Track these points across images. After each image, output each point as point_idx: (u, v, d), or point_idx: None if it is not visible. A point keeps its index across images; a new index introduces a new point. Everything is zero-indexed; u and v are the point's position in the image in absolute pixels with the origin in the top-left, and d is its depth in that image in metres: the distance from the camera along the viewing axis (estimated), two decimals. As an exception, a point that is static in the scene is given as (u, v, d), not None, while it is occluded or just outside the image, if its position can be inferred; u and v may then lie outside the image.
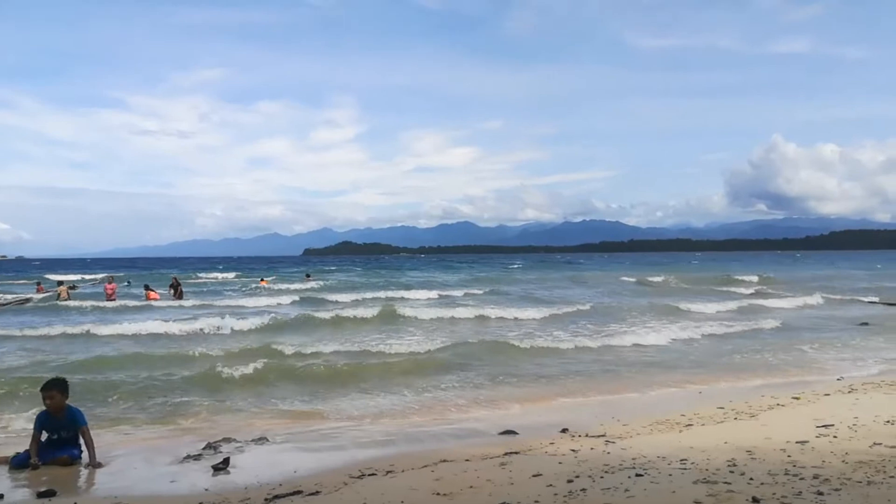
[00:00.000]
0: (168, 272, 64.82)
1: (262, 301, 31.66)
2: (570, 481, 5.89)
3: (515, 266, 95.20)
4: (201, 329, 19.49)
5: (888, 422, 7.90)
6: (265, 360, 13.25)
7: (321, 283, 50.71)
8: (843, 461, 6.24)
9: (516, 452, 7.27)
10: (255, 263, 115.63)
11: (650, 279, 49.65)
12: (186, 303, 30.24)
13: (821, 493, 5.24)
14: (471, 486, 5.94)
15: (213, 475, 6.86)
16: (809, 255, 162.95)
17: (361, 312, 23.52)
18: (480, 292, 38.13)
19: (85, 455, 7.53)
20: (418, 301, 32.49)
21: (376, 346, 16.01)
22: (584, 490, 5.61)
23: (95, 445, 7.58)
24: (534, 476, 6.15)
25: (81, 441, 7.58)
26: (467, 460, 7.02)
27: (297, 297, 33.32)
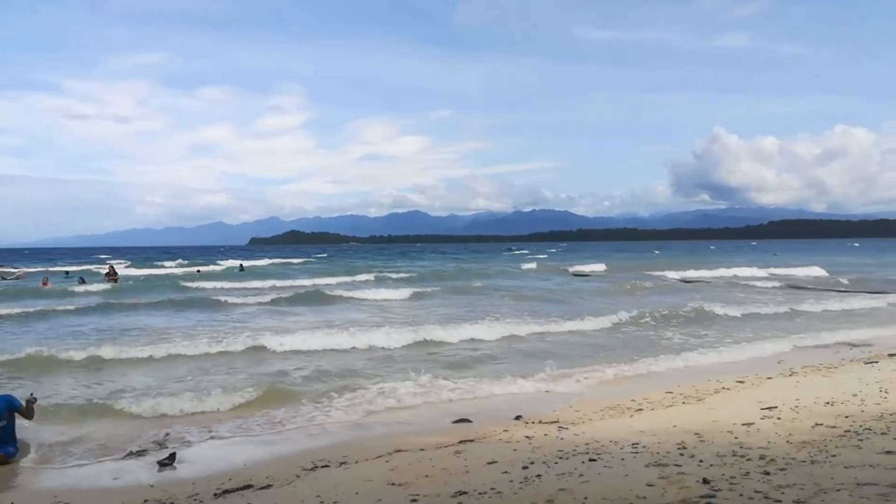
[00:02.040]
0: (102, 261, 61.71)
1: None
2: (525, 468, 5.90)
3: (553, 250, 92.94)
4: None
5: (828, 403, 8.20)
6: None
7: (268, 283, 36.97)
8: (787, 441, 6.43)
9: (471, 440, 7.26)
10: (200, 253, 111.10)
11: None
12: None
13: (767, 473, 5.37)
14: (426, 476, 5.89)
15: (159, 471, 6.64)
16: (763, 244, 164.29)
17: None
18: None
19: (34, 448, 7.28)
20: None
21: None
22: (539, 476, 5.62)
23: (31, 441, 7.39)
24: (489, 463, 6.15)
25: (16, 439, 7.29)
26: (422, 449, 6.97)
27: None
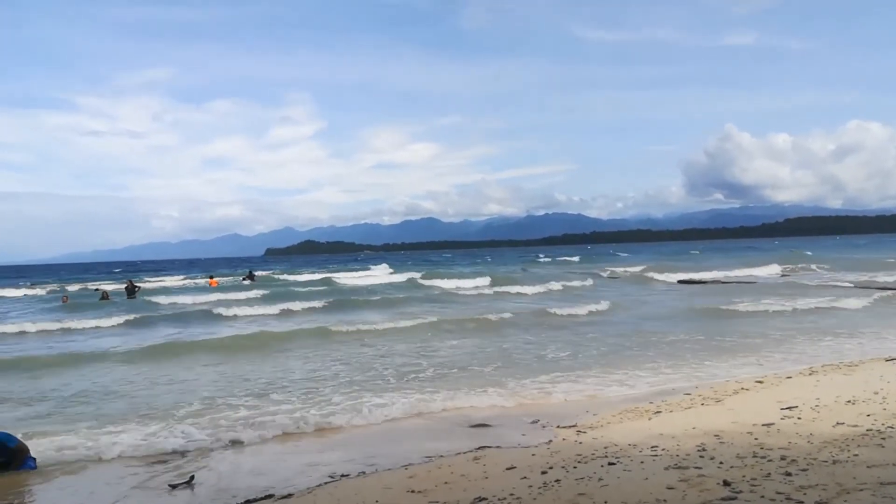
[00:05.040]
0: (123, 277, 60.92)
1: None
2: (544, 472, 5.90)
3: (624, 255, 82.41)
4: None
5: (849, 402, 8.11)
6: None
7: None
8: (808, 442, 6.38)
9: (489, 446, 7.25)
10: (217, 265, 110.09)
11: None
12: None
13: (789, 474, 5.33)
14: (445, 482, 5.91)
15: (181, 485, 6.64)
16: (783, 241, 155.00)
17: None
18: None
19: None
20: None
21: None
22: (558, 481, 5.61)
23: (35, 455, 7.42)
24: (508, 469, 6.15)
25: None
26: (441, 456, 6.99)
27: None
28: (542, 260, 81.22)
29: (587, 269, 52.17)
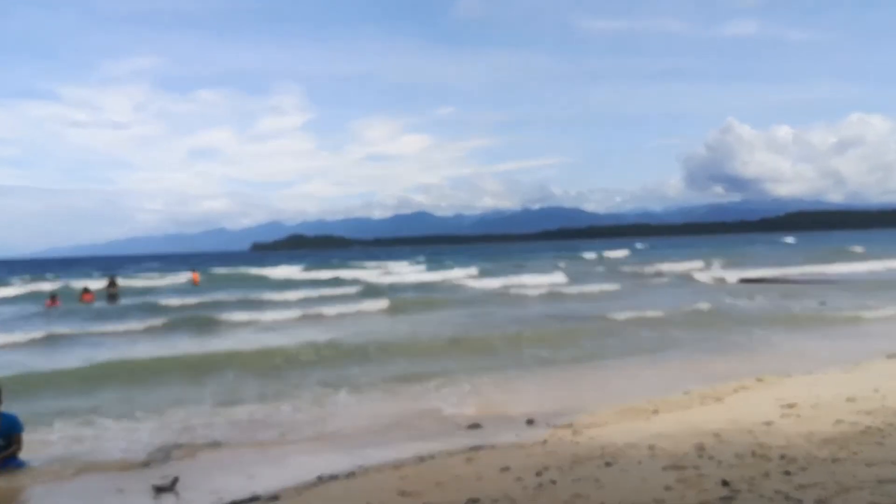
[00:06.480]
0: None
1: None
2: (538, 474, 5.75)
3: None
4: None
5: (849, 399, 7.99)
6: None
7: None
8: (807, 440, 6.28)
9: (483, 447, 7.10)
10: (204, 260, 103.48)
11: None
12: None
13: (788, 473, 5.26)
14: (437, 484, 5.77)
15: (163, 488, 6.45)
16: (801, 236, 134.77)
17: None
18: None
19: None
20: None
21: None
22: (553, 482, 5.49)
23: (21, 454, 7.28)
24: (502, 470, 6.00)
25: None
26: (433, 457, 6.83)
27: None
28: (573, 255, 71.43)
29: (635, 266, 46.79)
